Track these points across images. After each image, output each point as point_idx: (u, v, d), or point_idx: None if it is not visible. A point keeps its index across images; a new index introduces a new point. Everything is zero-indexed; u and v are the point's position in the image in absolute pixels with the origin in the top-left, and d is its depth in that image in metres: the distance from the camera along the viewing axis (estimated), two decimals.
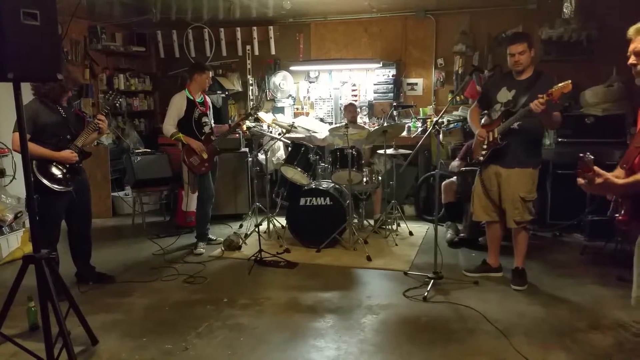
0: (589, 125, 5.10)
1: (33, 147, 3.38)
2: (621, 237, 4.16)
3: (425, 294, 3.68)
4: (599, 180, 1.83)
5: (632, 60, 1.98)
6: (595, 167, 1.83)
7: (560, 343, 3.03)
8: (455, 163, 5.16)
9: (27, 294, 3.19)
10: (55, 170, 3.64)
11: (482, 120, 4.08)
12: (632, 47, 1.98)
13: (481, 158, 3.85)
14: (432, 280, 3.83)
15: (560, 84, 3.23)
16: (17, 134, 2.96)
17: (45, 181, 3.55)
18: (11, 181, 5.25)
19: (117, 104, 3.99)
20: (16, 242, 4.87)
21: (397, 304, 3.63)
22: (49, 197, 3.56)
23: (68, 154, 3.65)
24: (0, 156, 5.25)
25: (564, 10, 4.86)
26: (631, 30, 1.99)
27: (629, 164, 2.01)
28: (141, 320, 3.48)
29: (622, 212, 2.08)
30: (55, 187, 3.60)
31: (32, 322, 3.29)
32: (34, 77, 2.82)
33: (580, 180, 1.90)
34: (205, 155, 4.77)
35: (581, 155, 1.84)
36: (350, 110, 5.85)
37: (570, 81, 3.21)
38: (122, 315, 3.55)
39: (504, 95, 3.77)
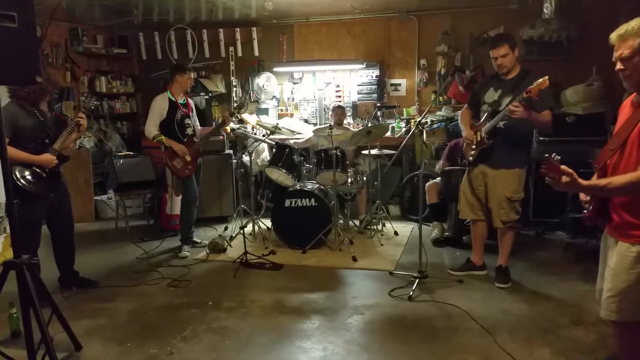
0: (570, 124, 5.16)
1: (13, 151, 3.32)
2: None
3: (411, 293, 3.70)
4: (565, 179, 1.90)
5: (619, 66, 2.00)
6: (563, 167, 1.90)
7: (544, 339, 3.06)
8: (439, 164, 5.20)
9: (8, 300, 3.14)
10: (35, 175, 3.58)
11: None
12: (617, 53, 1.99)
13: (470, 158, 3.88)
14: (417, 280, 3.85)
15: (537, 81, 3.26)
16: None
17: (25, 185, 3.49)
18: None
19: (92, 107, 3.98)
20: None
21: (383, 304, 3.64)
22: (29, 202, 3.49)
23: (48, 157, 3.60)
24: None
25: (545, 10, 4.94)
26: (613, 37, 2.00)
27: (601, 164, 2.08)
28: (125, 324, 3.44)
29: (590, 208, 2.18)
30: (35, 191, 3.54)
31: (14, 328, 3.24)
32: (12, 80, 2.78)
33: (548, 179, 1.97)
34: (188, 158, 4.73)
35: (547, 155, 1.90)
36: (338, 112, 5.87)
37: (547, 77, 3.23)
38: (106, 320, 3.51)
39: (491, 95, 3.80)
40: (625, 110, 2.13)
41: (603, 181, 2.00)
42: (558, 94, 5.40)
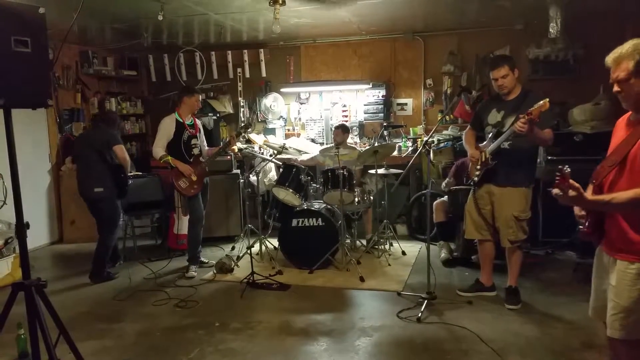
0: (578, 143, 5.14)
1: None
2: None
3: (419, 315, 3.66)
4: (572, 193, 1.92)
5: (616, 88, 2.05)
6: (571, 180, 1.90)
7: None
8: (444, 183, 5.18)
9: (17, 321, 3.13)
10: None
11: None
12: (613, 76, 2.04)
13: (475, 178, 3.88)
14: (426, 301, 3.82)
15: (538, 103, 3.27)
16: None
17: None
18: (1, 206, 5.20)
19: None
20: (6, 269, 4.80)
21: (391, 325, 3.61)
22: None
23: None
24: None
25: (550, 30, 4.95)
26: (609, 60, 2.05)
27: (598, 180, 2.10)
28: (132, 346, 3.43)
29: (587, 224, 2.17)
30: None
31: (22, 349, 3.23)
32: (24, 104, 2.82)
33: (556, 191, 1.99)
34: (194, 177, 4.77)
35: (560, 167, 1.93)
36: (337, 133, 5.74)
37: (547, 99, 3.25)
38: (113, 341, 3.50)
39: (494, 117, 3.82)
40: (620, 129, 2.17)
41: (607, 196, 2.01)
42: (565, 113, 5.39)
